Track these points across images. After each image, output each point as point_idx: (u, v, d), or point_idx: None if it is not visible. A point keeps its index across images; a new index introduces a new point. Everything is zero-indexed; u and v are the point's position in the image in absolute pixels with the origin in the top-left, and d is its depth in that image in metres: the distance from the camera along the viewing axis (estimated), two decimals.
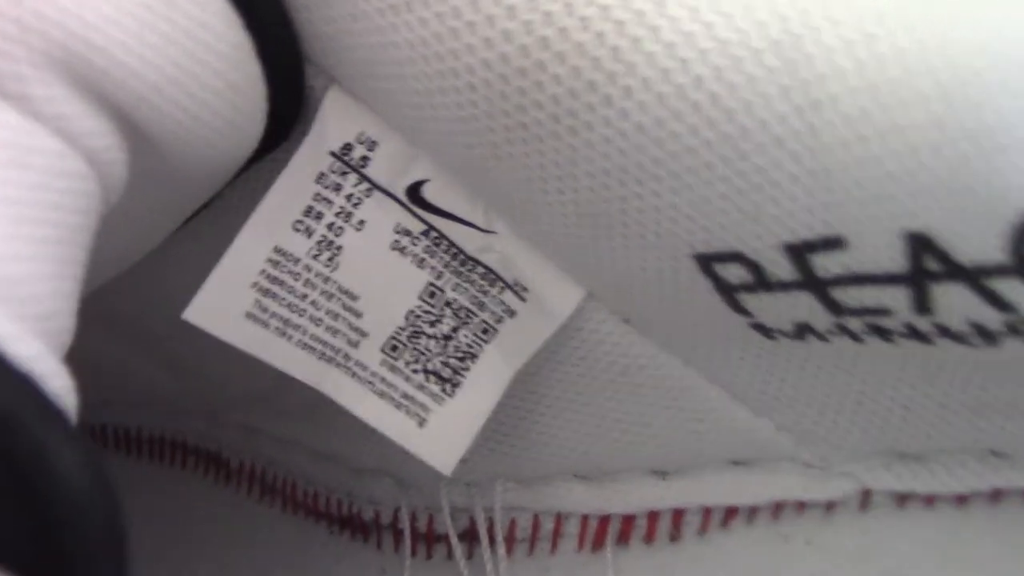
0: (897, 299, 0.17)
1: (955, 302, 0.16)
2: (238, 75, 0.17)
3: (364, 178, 0.21)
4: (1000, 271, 0.15)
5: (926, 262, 0.16)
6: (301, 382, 0.23)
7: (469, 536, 0.29)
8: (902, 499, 0.24)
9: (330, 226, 0.21)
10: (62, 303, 0.15)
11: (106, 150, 0.16)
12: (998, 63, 0.13)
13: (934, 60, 0.13)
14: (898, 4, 0.14)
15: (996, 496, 0.23)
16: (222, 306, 0.21)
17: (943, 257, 0.15)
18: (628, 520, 0.27)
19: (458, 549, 0.29)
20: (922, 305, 0.16)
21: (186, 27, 0.16)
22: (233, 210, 0.23)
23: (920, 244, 0.15)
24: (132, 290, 0.30)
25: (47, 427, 0.12)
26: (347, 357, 0.22)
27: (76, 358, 0.15)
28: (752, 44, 0.14)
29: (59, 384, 0.13)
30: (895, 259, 0.16)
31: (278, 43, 0.18)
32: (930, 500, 0.23)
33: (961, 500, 0.23)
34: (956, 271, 0.15)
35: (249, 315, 0.21)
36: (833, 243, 0.16)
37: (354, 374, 0.23)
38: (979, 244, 0.15)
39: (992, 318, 0.16)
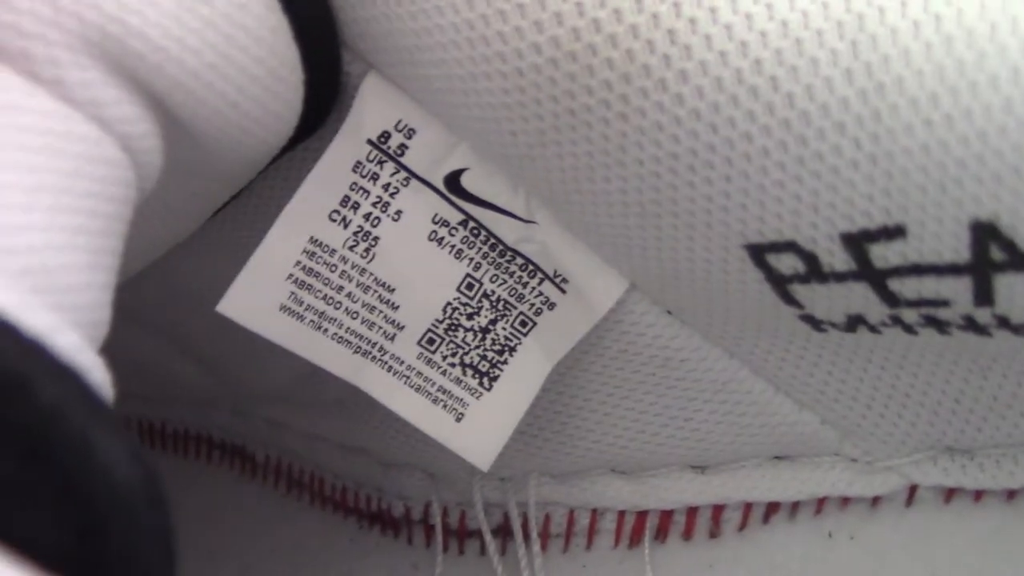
0: (958, 290, 0.16)
1: (1018, 293, 0.16)
2: (276, 60, 0.17)
3: (402, 167, 0.20)
4: None
5: (991, 252, 0.15)
6: (327, 376, 0.22)
7: (502, 532, 0.29)
8: (949, 494, 0.23)
9: (367, 216, 0.21)
10: (98, 294, 0.14)
11: (142, 137, 0.15)
12: None
13: (1005, 41, 0.13)
14: None
15: None
16: (256, 298, 0.21)
17: (1009, 246, 0.15)
18: (666, 516, 0.26)
19: (491, 545, 0.28)
20: (984, 296, 0.16)
21: (225, 10, 0.16)
22: (264, 200, 0.23)
23: (985, 233, 0.15)
24: (157, 281, 0.29)
25: (93, 421, 0.12)
26: (383, 351, 0.22)
27: (100, 350, 0.14)
28: (814, 25, 0.14)
29: (98, 377, 0.13)
30: (958, 249, 0.15)
31: (316, 26, 0.18)
32: (978, 495, 0.23)
33: (1011, 495, 0.22)
34: (1022, 261, 0.15)
35: (284, 307, 0.21)
36: (893, 232, 0.16)
37: (390, 368, 0.22)
38: None
39: None
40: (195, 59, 0.15)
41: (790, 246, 0.17)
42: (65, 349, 0.12)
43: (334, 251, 0.21)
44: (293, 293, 0.21)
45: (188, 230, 0.22)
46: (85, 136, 0.14)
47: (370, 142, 0.20)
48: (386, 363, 0.22)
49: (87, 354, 0.13)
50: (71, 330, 0.13)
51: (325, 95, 0.19)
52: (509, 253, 0.21)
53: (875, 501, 0.24)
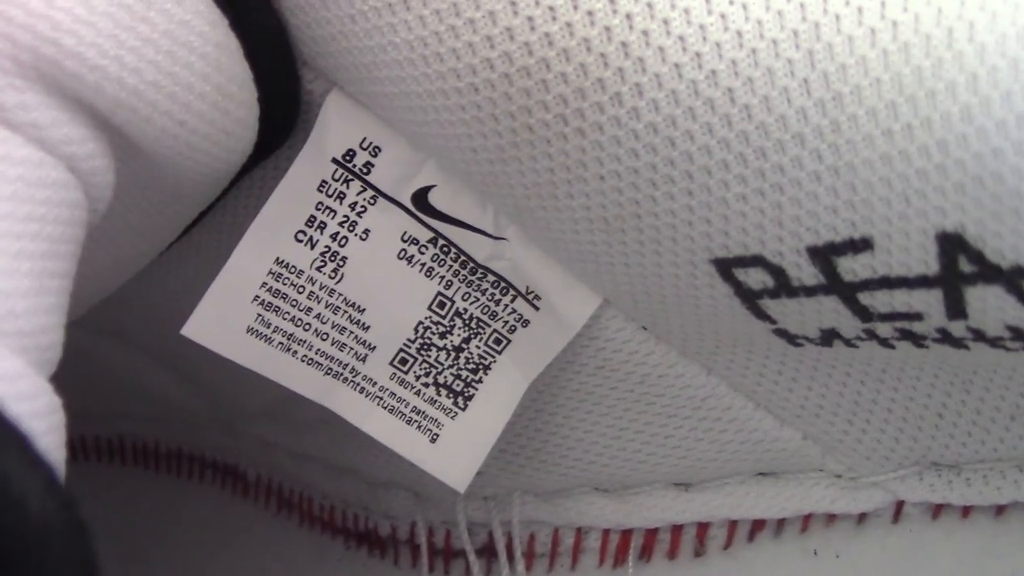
0: (929, 303, 0.16)
1: (991, 305, 0.15)
2: (223, 77, 0.17)
3: (368, 185, 0.20)
4: None
5: (959, 264, 0.15)
6: (301, 396, 0.22)
7: (487, 551, 0.29)
8: (936, 511, 0.23)
9: (334, 236, 0.20)
10: (44, 318, 0.14)
11: (88, 157, 0.15)
12: None
13: (962, 48, 0.13)
14: None
15: None
16: (222, 321, 0.20)
17: (977, 258, 0.14)
18: (651, 534, 0.26)
19: (476, 565, 0.28)
20: (956, 309, 0.16)
21: (166, 28, 0.15)
22: (238, 219, 0.23)
23: (953, 245, 0.14)
24: (139, 301, 0.29)
25: (6, 451, 0.12)
26: (355, 372, 0.22)
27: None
28: (769, 35, 0.14)
29: (40, 404, 0.13)
30: (926, 261, 0.15)
31: (268, 44, 0.18)
32: (966, 511, 0.22)
33: (999, 511, 0.22)
34: (991, 272, 0.14)
35: (251, 330, 0.21)
36: (860, 245, 0.15)
37: (363, 389, 0.22)
38: (1015, 243, 0.14)
39: None
40: (135, 78, 0.15)
41: (757, 260, 0.16)
42: None
43: (301, 272, 0.20)
44: (260, 315, 0.21)
45: (156, 248, 0.22)
46: (25, 159, 0.14)
47: (335, 160, 0.20)
48: (358, 384, 0.22)
49: (27, 380, 0.13)
50: (12, 355, 0.13)
51: (284, 112, 0.19)
52: (480, 271, 0.21)
53: (861, 518, 0.23)
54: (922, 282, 0.15)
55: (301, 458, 0.34)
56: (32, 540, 0.11)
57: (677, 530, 0.25)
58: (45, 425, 0.13)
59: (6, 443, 0.11)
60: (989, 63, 0.12)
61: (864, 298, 0.16)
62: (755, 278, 0.17)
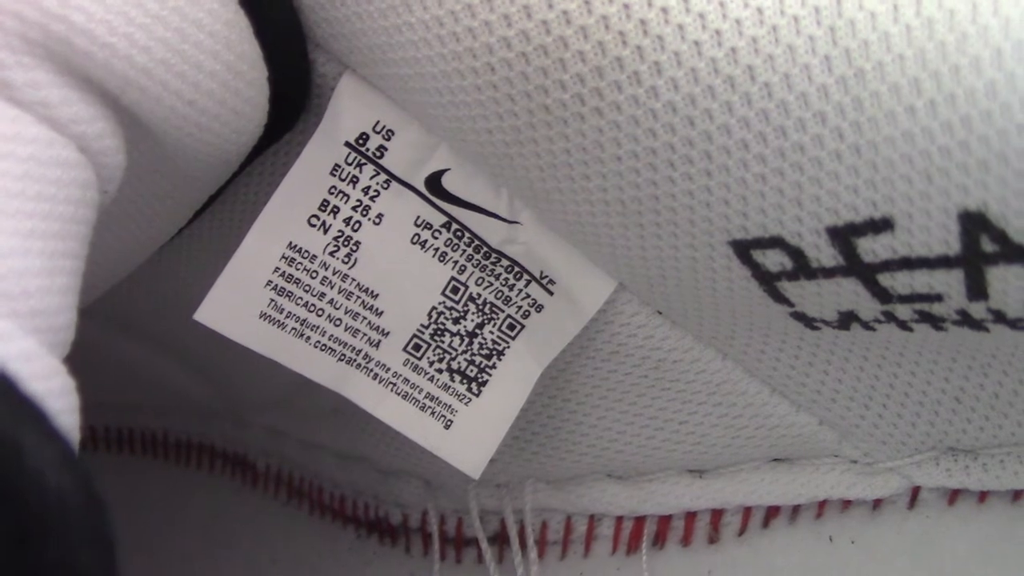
0: (950, 284, 0.15)
1: (1012, 285, 0.15)
2: (233, 56, 0.16)
3: (381, 169, 0.20)
4: None
5: (981, 243, 0.14)
6: (321, 385, 0.22)
7: (499, 539, 0.29)
8: (953, 496, 0.22)
9: (347, 220, 0.20)
10: (57, 299, 0.14)
11: (98, 137, 0.15)
12: None
13: (987, 22, 0.12)
14: None
15: None
16: (235, 306, 0.20)
17: (1000, 237, 0.14)
18: (664, 521, 0.26)
19: (488, 553, 0.28)
20: (977, 289, 0.15)
21: (175, 5, 0.15)
22: (248, 205, 0.23)
23: (975, 224, 0.14)
24: (148, 290, 0.29)
25: (24, 426, 0.11)
26: (368, 358, 0.22)
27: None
28: (790, 11, 0.13)
29: (55, 384, 0.13)
30: (948, 241, 0.15)
31: (278, 23, 0.17)
32: (983, 497, 0.22)
33: (1016, 496, 0.22)
34: (1014, 252, 0.14)
35: (264, 315, 0.21)
36: (880, 225, 0.15)
37: (376, 375, 0.22)
38: None
39: None
40: (144, 55, 0.15)
41: (776, 241, 0.16)
42: (9, 356, 0.12)
43: (314, 257, 0.20)
44: (273, 300, 0.20)
45: (165, 234, 0.22)
46: (35, 137, 0.14)
47: (348, 144, 0.20)
48: (371, 371, 0.22)
49: (40, 360, 0.13)
50: (25, 335, 0.13)
51: (294, 93, 0.19)
52: (494, 255, 0.21)
53: (877, 504, 0.23)
54: (943, 262, 0.15)
55: (311, 447, 0.34)
56: (50, 514, 0.11)
57: (691, 517, 0.25)
58: (60, 405, 0.13)
59: (23, 417, 0.11)
60: (1015, 37, 0.12)
61: (884, 279, 0.16)
62: (773, 260, 0.17)
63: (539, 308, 0.21)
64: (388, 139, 0.20)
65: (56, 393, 0.13)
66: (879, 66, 0.13)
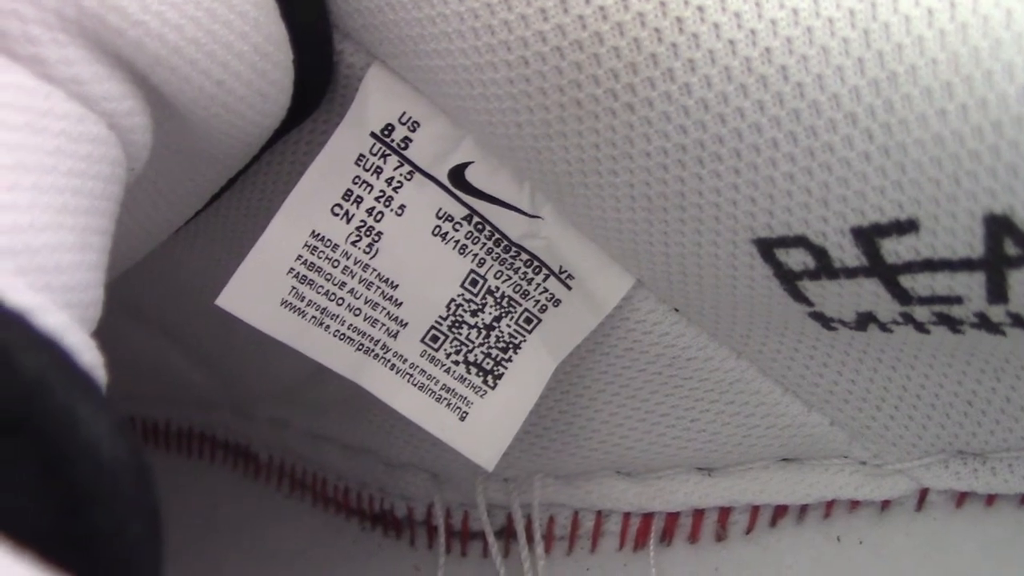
0: (971, 286, 0.16)
1: None
2: (261, 37, 0.17)
3: (405, 160, 0.20)
4: None
5: (1005, 246, 0.15)
6: (331, 376, 0.22)
7: (506, 533, 0.29)
8: (961, 499, 0.23)
9: (370, 211, 0.20)
10: (87, 274, 0.14)
11: (127, 114, 0.15)
12: None
13: (1021, 28, 0.13)
14: None
15: None
16: (256, 293, 0.20)
17: None
18: (672, 518, 0.26)
19: (494, 547, 0.28)
20: (998, 293, 0.16)
21: None
22: (266, 193, 0.23)
23: (1000, 227, 0.14)
24: (159, 279, 0.29)
25: (77, 395, 0.12)
26: (386, 348, 0.22)
27: (101, 347, 0.14)
28: (825, 13, 0.14)
29: (88, 358, 0.13)
30: (972, 244, 0.15)
31: (304, 5, 0.18)
32: (991, 500, 0.22)
33: None
34: None
35: (285, 302, 0.21)
36: (906, 227, 0.15)
37: (393, 366, 0.22)
38: None
39: None
40: (176, 34, 0.15)
41: (800, 240, 0.16)
42: (51, 327, 0.12)
43: (336, 246, 0.20)
44: (294, 288, 0.21)
45: (183, 216, 0.22)
46: (67, 113, 0.14)
47: (373, 135, 0.20)
48: (389, 361, 0.22)
49: (75, 334, 0.13)
50: (59, 310, 0.13)
51: (317, 77, 0.19)
52: (514, 249, 0.21)
53: (885, 505, 0.24)
54: (965, 265, 0.15)
55: (317, 439, 0.34)
56: (103, 484, 0.11)
57: (699, 514, 0.26)
58: (98, 380, 0.13)
59: (77, 388, 0.12)
60: None
61: (905, 280, 0.16)
62: (796, 259, 0.17)
63: (556, 303, 0.22)
64: (413, 130, 0.20)
65: (96, 367, 0.13)
66: (912, 69, 0.13)
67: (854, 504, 0.24)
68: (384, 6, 0.17)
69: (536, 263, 0.21)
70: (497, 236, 0.21)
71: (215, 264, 0.26)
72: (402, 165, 0.20)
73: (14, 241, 0.12)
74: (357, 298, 0.21)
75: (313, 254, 0.20)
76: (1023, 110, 0.13)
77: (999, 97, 0.13)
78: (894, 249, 0.16)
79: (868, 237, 0.16)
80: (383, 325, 0.21)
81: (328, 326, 0.21)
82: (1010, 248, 0.15)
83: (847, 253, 0.16)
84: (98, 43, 0.14)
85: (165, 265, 0.27)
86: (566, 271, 0.21)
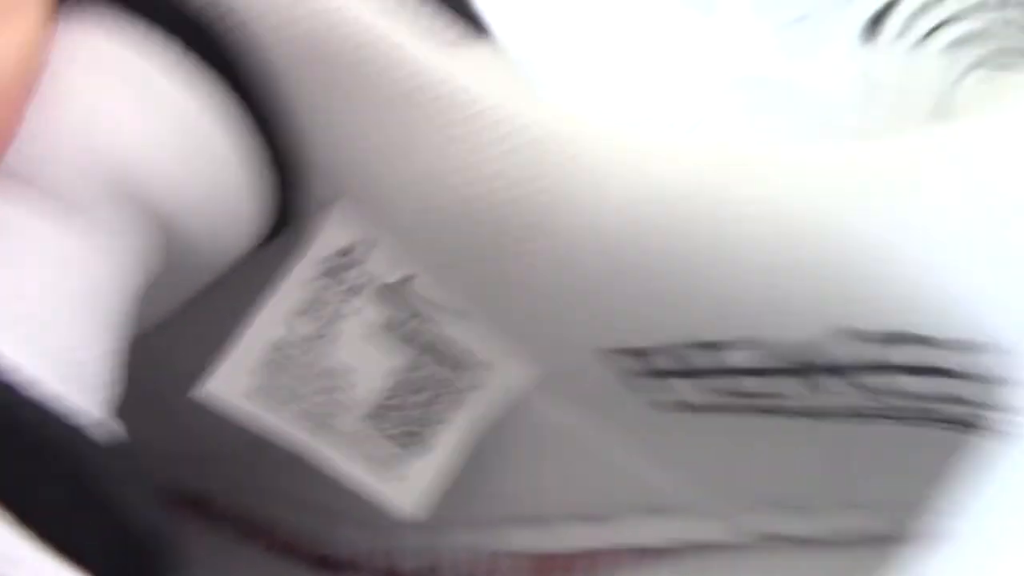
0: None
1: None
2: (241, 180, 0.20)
3: (363, 272, 0.24)
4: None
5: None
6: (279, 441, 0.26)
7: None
8: (803, 542, 0.28)
9: (330, 314, 0.25)
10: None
11: (145, 239, 0.18)
12: None
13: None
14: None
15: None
16: (236, 384, 0.24)
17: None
18: (568, 560, 0.30)
19: None
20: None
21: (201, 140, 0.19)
22: (239, 294, 0.25)
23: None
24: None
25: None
26: (333, 425, 0.26)
27: None
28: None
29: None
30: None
31: (280, 149, 0.22)
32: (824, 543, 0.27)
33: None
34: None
35: (249, 395, 0.25)
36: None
37: (339, 440, 0.26)
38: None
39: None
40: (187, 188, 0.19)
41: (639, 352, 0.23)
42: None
43: (297, 344, 0.25)
44: (260, 385, 0.25)
45: (158, 318, 0.24)
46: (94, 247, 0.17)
47: (339, 252, 0.24)
48: (336, 435, 0.26)
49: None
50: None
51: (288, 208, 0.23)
52: (448, 342, 0.26)
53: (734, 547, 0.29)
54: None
55: (264, 491, 0.37)
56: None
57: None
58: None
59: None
60: None
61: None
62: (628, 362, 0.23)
63: (480, 387, 0.27)
64: (369, 250, 0.24)
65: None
66: None
67: (703, 548, 0.29)
68: (352, 149, 0.22)
69: (467, 353, 0.26)
70: (435, 331, 0.26)
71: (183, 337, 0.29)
72: (361, 276, 0.24)
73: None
74: (310, 387, 0.25)
75: (278, 352, 0.24)
76: None
77: None
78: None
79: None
80: (335, 406, 0.26)
81: (284, 413, 0.25)
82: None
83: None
84: (122, 189, 0.18)
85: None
86: (488, 362, 0.26)
